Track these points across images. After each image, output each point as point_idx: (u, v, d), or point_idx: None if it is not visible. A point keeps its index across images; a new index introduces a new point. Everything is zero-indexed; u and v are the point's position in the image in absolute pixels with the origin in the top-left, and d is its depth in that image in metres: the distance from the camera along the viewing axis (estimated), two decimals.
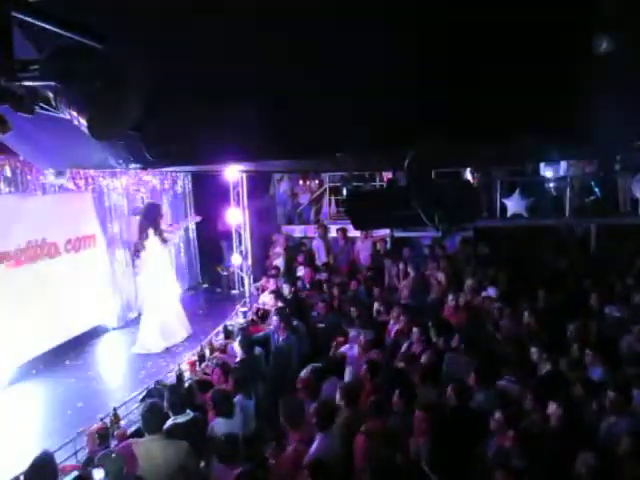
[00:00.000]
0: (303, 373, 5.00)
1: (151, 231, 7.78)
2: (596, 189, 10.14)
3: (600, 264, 8.49)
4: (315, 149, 3.54)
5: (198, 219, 8.84)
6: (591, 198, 10.29)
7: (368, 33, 2.22)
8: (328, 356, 5.94)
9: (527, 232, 10.08)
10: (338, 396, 4.39)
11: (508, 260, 8.73)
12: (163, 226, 7.96)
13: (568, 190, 9.93)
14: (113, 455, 3.55)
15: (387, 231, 10.16)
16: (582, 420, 3.90)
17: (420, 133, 2.66)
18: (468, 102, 2.62)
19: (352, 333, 6.05)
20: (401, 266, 8.67)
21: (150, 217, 7.91)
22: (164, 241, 7.89)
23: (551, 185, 10.60)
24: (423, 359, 5.13)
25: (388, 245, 10.16)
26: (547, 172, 10.14)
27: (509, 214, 10.19)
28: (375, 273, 8.89)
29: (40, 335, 7.26)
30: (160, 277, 7.97)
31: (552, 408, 3.74)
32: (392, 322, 6.49)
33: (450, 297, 6.89)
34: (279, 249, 10.36)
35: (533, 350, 4.90)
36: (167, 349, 7.70)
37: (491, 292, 6.99)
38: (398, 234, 10.22)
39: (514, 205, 10.10)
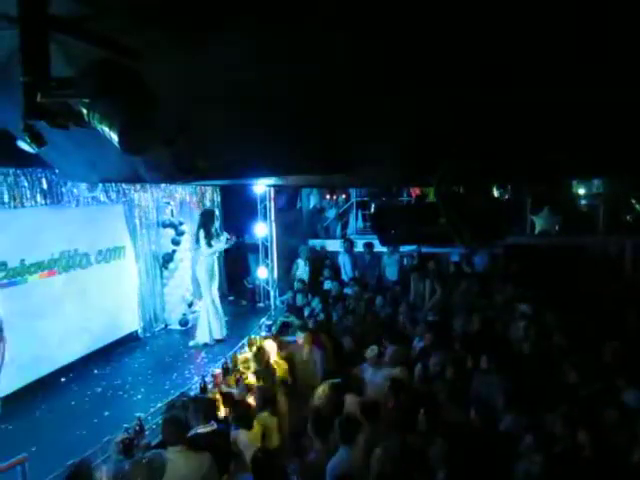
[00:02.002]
0: (320, 389, 4.96)
1: (201, 234, 8.48)
2: (637, 206, 9.80)
3: (636, 284, 8.19)
4: (343, 165, 3.55)
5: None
6: (630, 216, 9.96)
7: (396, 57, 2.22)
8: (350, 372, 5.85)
9: (559, 250, 9.82)
10: (358, 411, 4.33)
11: (539, 278, 8.50)
12: (212, 231, 8.64)
13: (601, 207, 9.66)
14: (144, 461, 3.59)
15: (414, 246, 10.05)
16: (615, 449, 3.72)
17: (450, 149, 2.64)
18: (498, 120, 2.59)
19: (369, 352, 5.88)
20: (427, 282, 8.54)
21: (201, 222, 8.70)
22: (209, 245, 8.53)
23: (583, 202, 10.34)
24: (449, 378, 5.01)
25: (415, 260, 10.04)
26: (580, 188, 9.90)
27: (537, 231, 9.95)
28: (402, 288, 8.79)
29: (70, 344, 7.43)
30: (214, 280, 8.85)
31: (582, 436, 3.59)
32: (417, 339, 6.39)
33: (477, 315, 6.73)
34: (299, 260, 10.36)
35: (571, 373, 4.72)
36: (194, 361, 7.91)
37: (524, 309, 6.80)
38: (425, 250, 10.09)
39: (543, 222, 9.88)
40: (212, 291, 8.85)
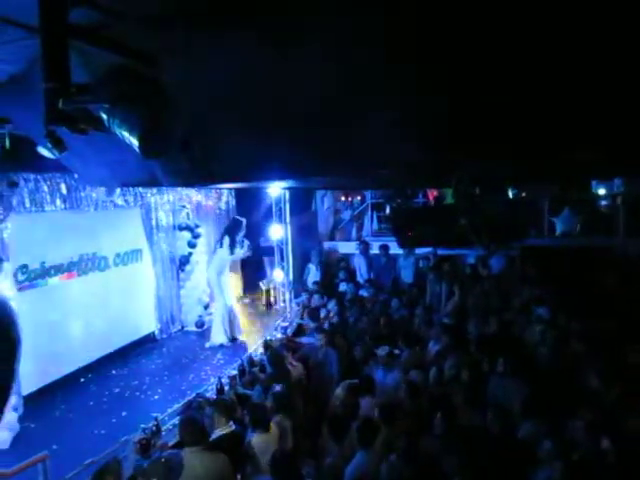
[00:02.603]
0: (338, 390, 4.96)
1: (226, 240, 8.85)
2: None
3: None
4: (360, 166, 3.55)
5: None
6: None
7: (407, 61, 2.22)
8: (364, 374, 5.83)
9: (577, 252, 9.65)
10: (376, 414, 4.31)
11: (557, 281, 8.37)
12: (237, 239, 9.06)
13: (622, 208, 9.47)
14: (162, 460, 3.63)
15: (430, 248, 9.97)
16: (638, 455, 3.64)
17: (469, 150, 2.62)
18: (519, 118, 2.56)
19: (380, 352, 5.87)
20: (444, 284, 8.49)
21: (229, 229, 9.16)
22: (232, 252, 8.94)
23: (603, 203, 10.15)
24: (464, 381, 4.97)
25: (431, 263, 9.96)
26: (599, 189, 9.71)
27: (558, 233, 9.80)
28: (418, 291, 8.76)
29: (88, 345, 7.54)
30: (225, 283, 9.11)
31: (605, 443, 3.52)
32: (432, 342, 6.34)
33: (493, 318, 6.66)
34: (311, 265, 10.37)
35: (592, 378, 4.63)
36: (210, 362, 8.02)
37: (541, 313, 6.70)
38: (442, 252, 10.02)
39: (563, 224, 9.72)
40: (225, 292, 8.98)
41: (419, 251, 9.68)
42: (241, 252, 9.19)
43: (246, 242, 9.23)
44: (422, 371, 5.53)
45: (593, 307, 6.80)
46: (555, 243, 9.79)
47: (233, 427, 4.25)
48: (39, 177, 6.36)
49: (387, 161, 3.30)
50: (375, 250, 10.19)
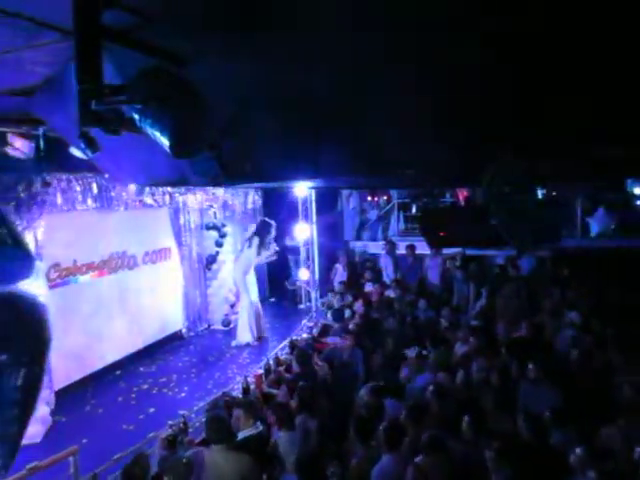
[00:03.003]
0: (362, 392, 4.92)
1: (255, 241, 9.02)
2: None
3: None
4: (389, 166, 3.50)
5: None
6: None
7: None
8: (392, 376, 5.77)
9: (611, 253, 9.36)
10: (403, 415, 4.25)
11: (590, 283, 8.12)
12: (266, 242, 9.26)
13: None
14: (184, 460, 3.65)
15: (458, 248, 9.80)
16: None
17: (500, 149, 2.56)
18: (550, 114, 2.48)
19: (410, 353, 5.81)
20: (471, 285, 8.35)
21: (258, 230, 9.32)
22: (258, 253, 9.13)
23: (639, 202, 9.83)
24: (494, 385, 4.86)
25: (458, 263, 9.79)
26: (636, 188, 9.41)
27: (592, 234, 9.52)
28: (445, 291, 8.63)
29: (117, 342, 7.69)
30: (250, 282, 9.23)
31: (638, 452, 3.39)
32: (459, 344, 6.23)
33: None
34: (338, 265, 10.31)
35: (627, 386, 4.47)
36: (236, 360, 8.09)
37: (573, 317, 6.52)
38: (470, 252, 9.85)
39: (598, 224, 9.45)
40: (250, 292, 9.07)
41: (446, 251, 9.52)
42: (267, 254, 9.32)
43: (273, 245, 9.30)
44: (450, 373, 5.44)
45: (628, 312, 6.58)
46: (589, 244, 9.51)
47: (260, 428, 4.26)
48: (71, 177, 6.50)
49: (409, 161, 3.25)
50: (402, 250, 10.09)
